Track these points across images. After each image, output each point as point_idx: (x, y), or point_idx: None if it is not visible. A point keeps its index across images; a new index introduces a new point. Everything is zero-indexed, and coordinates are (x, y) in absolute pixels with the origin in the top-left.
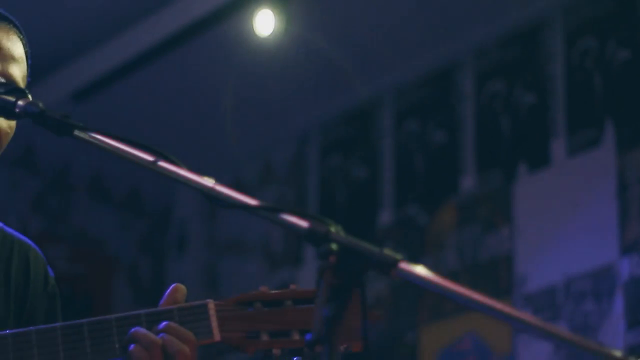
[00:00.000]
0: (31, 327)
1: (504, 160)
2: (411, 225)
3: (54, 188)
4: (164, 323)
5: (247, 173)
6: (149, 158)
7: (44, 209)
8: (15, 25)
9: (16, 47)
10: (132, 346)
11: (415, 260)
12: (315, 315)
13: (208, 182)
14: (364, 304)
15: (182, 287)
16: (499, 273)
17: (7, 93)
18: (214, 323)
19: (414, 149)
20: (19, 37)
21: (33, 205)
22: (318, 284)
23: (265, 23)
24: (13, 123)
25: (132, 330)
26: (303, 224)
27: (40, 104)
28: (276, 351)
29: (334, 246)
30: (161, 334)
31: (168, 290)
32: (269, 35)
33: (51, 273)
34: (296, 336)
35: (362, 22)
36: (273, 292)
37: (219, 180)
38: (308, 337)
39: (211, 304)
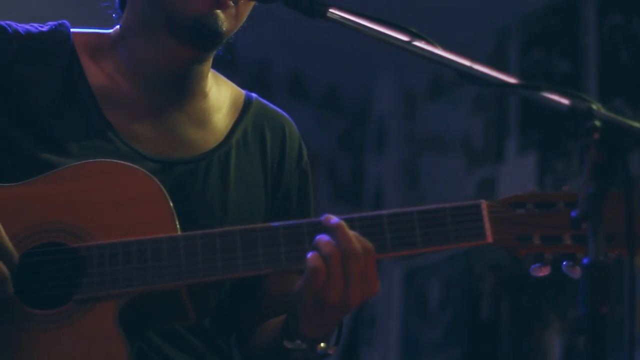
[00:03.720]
0: (257, 225)
1: None
2: None
3: (254, 85)
4: (341, 231)
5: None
6: (404, 38)
7: None
8: None
9: None
10: (310, 254)
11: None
12: (580, 192)
13: (465, 61)
14: (629, 181)
15: None
16: None
17: None
18: (487, 224)
19: (619, 42)
20: None
21: None
22: (582, 162)
23: None
24: (245, 8)
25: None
26: (564, 101)
27: None
28: (548, 256)
29: (597, 123)
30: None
31: None
32: None
33: (304, 149)
34: (568, 241)
35: None
36: (546, 193)
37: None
38: (573, 214)
39: (484, 204)
